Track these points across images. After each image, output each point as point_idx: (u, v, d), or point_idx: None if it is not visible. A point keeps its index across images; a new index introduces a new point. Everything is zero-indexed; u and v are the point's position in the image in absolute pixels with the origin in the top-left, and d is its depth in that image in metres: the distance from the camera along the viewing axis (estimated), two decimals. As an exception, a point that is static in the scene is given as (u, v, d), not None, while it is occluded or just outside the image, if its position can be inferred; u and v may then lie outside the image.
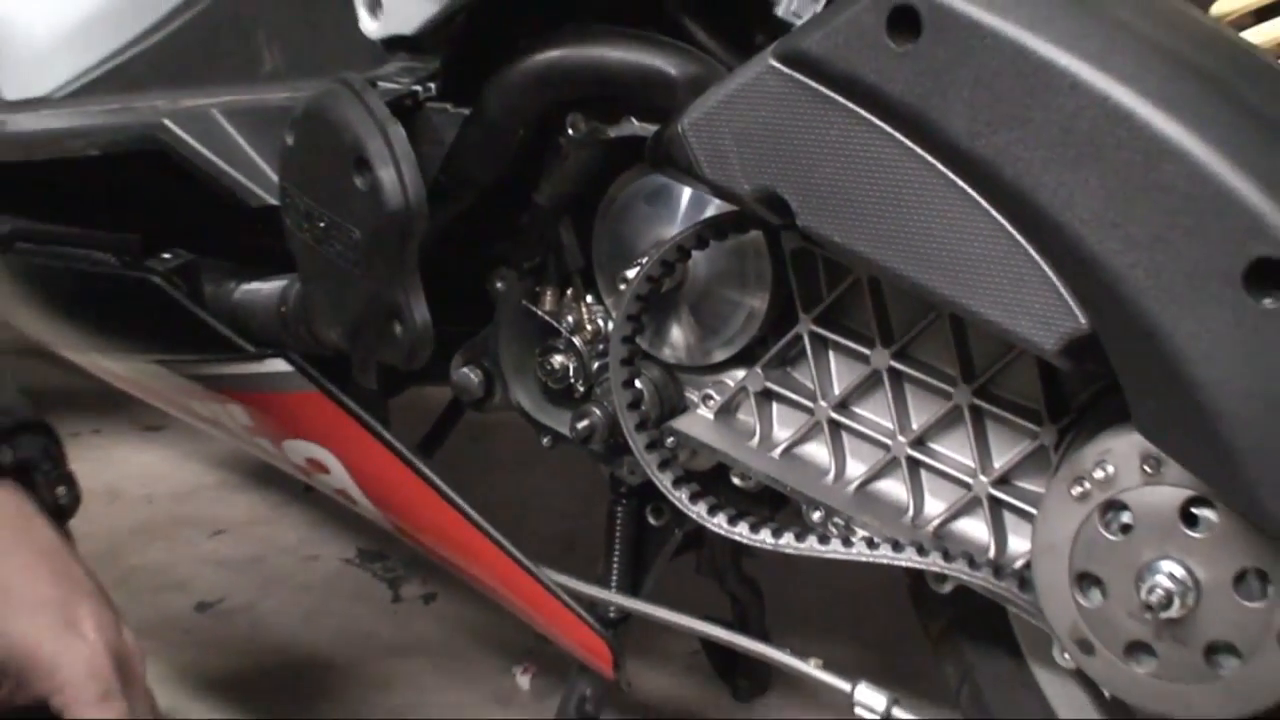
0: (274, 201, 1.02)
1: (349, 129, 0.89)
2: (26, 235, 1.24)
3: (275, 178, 1.03)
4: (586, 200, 1.12)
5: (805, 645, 1.12)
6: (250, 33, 1.17)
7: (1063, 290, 0.80)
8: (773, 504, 1.15)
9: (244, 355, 1.09)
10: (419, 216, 0.88)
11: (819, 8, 1.00)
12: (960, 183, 0.82)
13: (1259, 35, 0.87)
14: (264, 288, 1.10)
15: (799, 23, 1.00)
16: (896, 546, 1.01)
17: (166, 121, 1.06)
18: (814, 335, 1.05)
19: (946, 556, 1.00)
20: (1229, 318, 0.74)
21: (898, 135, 0.83)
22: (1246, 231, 0.73)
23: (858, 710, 1.01)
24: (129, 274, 1.13)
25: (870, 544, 1.02)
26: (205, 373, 1.16)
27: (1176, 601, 0.87)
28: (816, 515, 1.06)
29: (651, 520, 1.24)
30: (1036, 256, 0.80)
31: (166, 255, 1.13)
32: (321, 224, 0.93)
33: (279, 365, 1.07)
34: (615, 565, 1.23)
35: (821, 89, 0.85)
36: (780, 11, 1.00)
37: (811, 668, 1.03)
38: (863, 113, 0.84)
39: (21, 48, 1.34)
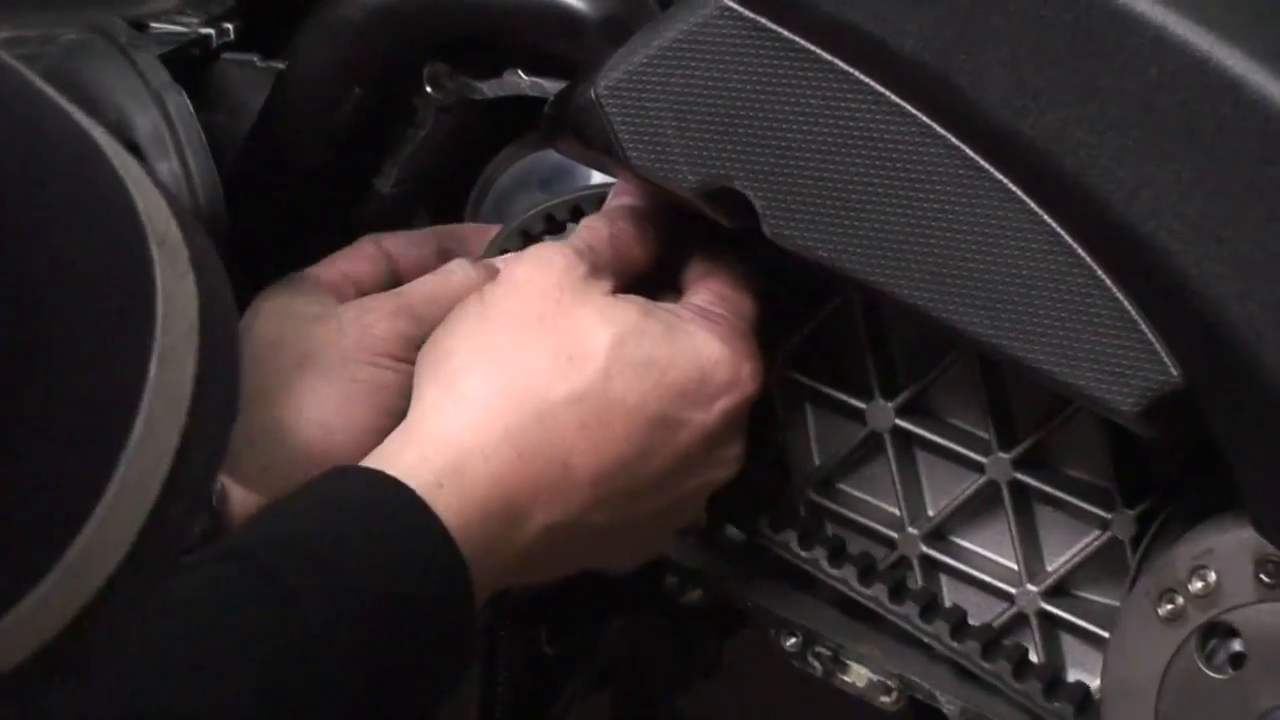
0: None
1: (111, 103, 0.88)
2: None
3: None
4: (452, 186, 1.13)
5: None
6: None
7: (1145, 329, 0.82)
8: (724, 624, 1.16)
9: None
10: (215, 220, 0.88)
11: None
12: (999, 176, 0.84)
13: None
14: None
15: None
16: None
17: None
18: (786, 383, 1.06)
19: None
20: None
21: (910, 109, 0.85)
22: None
23: None
24: None
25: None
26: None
27: (1309, 766, 0.89)
28: (790, 642, 1.08)
29: (548, 649, 1.25)
30: (1108, 281, 0.83)
31: None
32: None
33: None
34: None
35: (800, 40, 0.87)
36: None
37: None
38: (860, 76, 0.85)
39: None
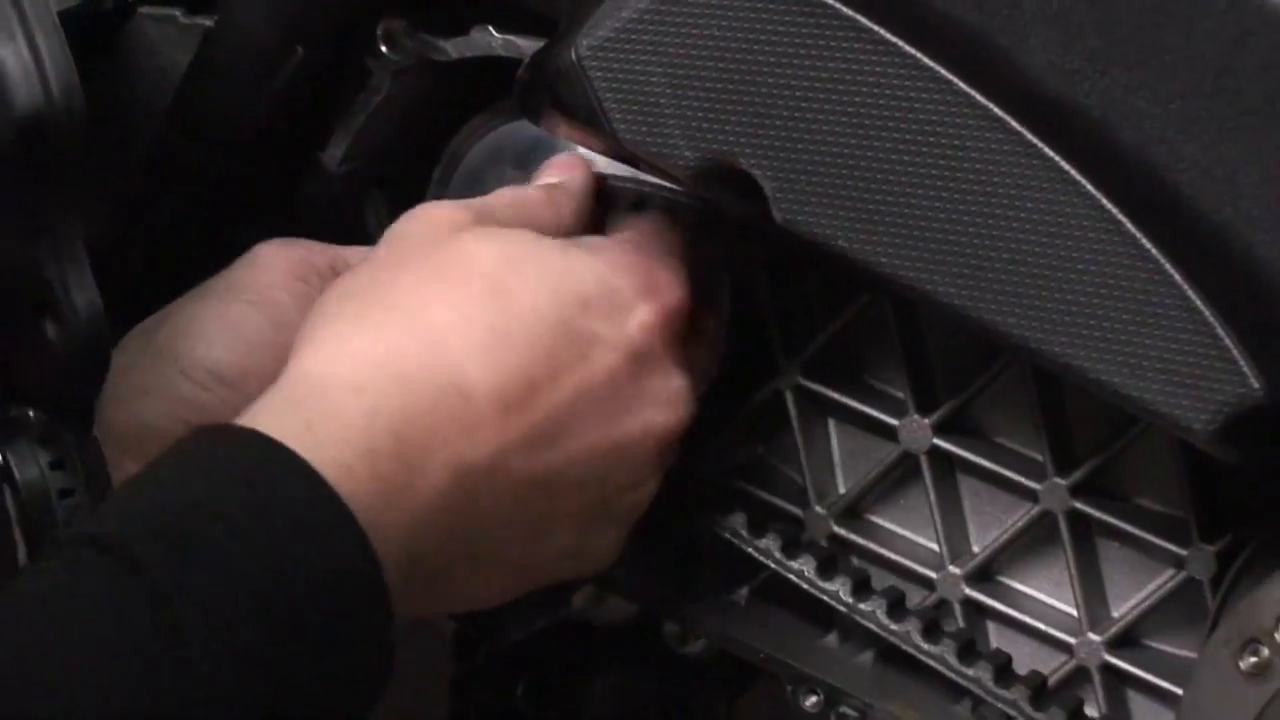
0: None
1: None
2: None
3: None
4: (411, 163, 1.14)
5: None
6: None
7: (1221, 333, 0.83)
8: (731, 681, 1.16)
9: None
10: (71, 115, 0.87)
11: None
12: (1049, 153, 0.84)
13: None
14: None
15: None
16: None
17: None
18: (803, 393, 1.07)
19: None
20: None
21: (945, 73, 0.85)
22: None
23: None
24: None
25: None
26: None
27: None
28: (810, 701, 1.08)
29: (524, 707, 1.26)
30: (1178, 278, 0.83)
31: None
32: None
33: None
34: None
35: (817, -6, 0.87)
36: None
37: None
38: (886, 34, 0.86)
39: None
